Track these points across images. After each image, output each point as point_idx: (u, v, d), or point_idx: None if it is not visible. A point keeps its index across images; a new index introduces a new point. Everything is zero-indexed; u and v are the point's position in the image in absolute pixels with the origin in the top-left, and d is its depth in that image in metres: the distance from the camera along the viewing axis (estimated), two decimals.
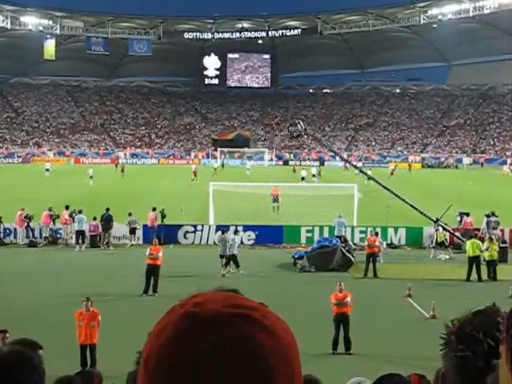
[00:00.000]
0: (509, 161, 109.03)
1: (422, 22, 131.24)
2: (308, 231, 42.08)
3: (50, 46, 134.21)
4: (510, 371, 1.83)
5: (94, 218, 42.75)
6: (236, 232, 37.35)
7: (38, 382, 3.12)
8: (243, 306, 1.35)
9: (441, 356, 2.20)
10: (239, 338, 1.29)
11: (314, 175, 75.19)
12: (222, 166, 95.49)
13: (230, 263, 34.23)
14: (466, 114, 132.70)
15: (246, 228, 43.06)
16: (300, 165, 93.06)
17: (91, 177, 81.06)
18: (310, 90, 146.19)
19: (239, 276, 31.73)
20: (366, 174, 47.51)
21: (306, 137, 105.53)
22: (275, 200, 54.07)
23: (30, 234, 43.76)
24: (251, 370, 1.27)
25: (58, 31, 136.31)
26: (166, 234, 41.24)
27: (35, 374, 3.09)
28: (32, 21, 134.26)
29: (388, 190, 40.50)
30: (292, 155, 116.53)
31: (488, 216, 41.73)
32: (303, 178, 74.48)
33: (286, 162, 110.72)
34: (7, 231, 43.55)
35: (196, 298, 1.37)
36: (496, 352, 1.89)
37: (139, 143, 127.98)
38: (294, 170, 55.56)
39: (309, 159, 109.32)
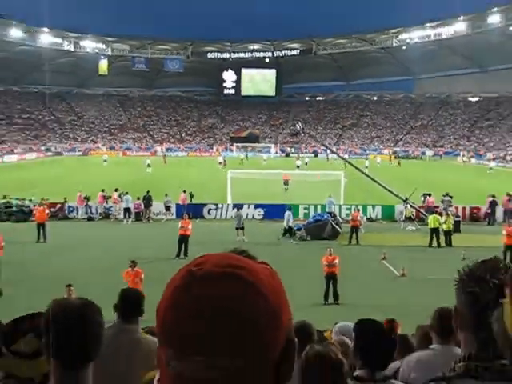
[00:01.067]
0: (461, 153, 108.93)
1: (394, 44, 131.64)
2: (305, 208, 42.22)
3: (103, 65, 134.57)
4: None
5: (138, 198, 43.19)
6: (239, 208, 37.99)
7: (102, 322, 3.18)
8: (234, 266, 1.31)
9: (455, 293, 2.33)
10: (225, 294, 1.25)
11: (299, 166, 75.28)
12: (246, 157, 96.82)
13: (244, 232, 34.43)
14: (428, 117, 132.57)
15: (257, 206, 43.28)
16: (298, 157, 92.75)
17: (149, 165, 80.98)
18: (307, 98, 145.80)
19: (248, 242, 31.81)
20: (350, 163, 47.50)
21: (303, 134, 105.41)
22: (285, 183, 54.98)
23: (88, 211, 44.08)
24: (237, 323, 1.23)
25: (109, 53, 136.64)
26: (193, 210, 41.19)
27: (100, 315, 3.15)
28: (89, 45, 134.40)
29: (366, 175, 40.47)
30: (292, 149, 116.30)
31: (445, 195, 42.23)
32: (298, 167, 74.68)
33: (287, 155, 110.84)
34: (70, 208, 43.85)
35: (199, 259, 1.35)
36: (501, 291, 1.94)
37: (172, 140, 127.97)
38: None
39: (306, 152, 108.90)
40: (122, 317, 6.10)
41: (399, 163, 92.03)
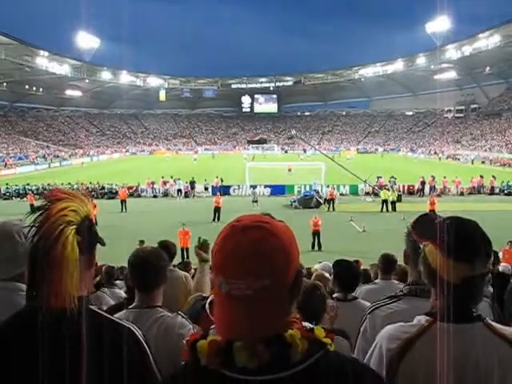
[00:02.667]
0: (402, 149, 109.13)
1: (356, 77, 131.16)
2: (298, 187, 42.08)
3: (162, 94, 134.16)
4: (435, 247, 1.90)
5: (186, 182, 43.17)
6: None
7: (165, 261, 3.24)
8: (261, 221, 1.39)
9: (404, 240, 2.38)
10: (254, 238, 1.33)
11: (302, 158, 74.46)
12: (265, 156, 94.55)
13: (257, 203, 34.54)
14: (379, 126, 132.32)
15: (266, 186, 43.38)
16: (295, 154, 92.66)
17: (195, 159, 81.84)
18: (298, 113, 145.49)
19: (260, 210, 31.87)
20: (328, 156, 47.53)
21: (296, 138, 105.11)
22: (289, 170, 54.74)
23: (154, 191, 44.15)
24: (262, 257, 1.31)
25: (166, 86, 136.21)
26: (223, 190, 41.21)
27: (164, 257, 3.20)
28: (153, 81, 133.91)
29: (339, 164, 40.42)
30: (289, 147, 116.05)
31: (391, 177, 42.31)
32: (302, 159, 74.43)
33: (286, 151, 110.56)
34: (142, 190, 44.00)
35: (239, 218, 1.43)
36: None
37: (208, 143, 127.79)
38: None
39: (298, 150, 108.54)
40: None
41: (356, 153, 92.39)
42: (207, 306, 3.79)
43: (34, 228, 1.80)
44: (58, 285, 1.73)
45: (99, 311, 1.92)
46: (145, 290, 3.16)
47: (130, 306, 3.20)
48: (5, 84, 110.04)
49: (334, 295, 4.82)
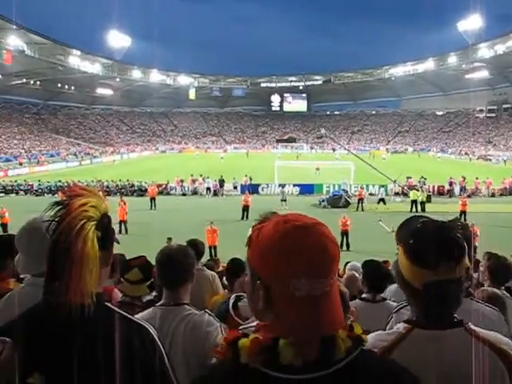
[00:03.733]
0: (432, 149, 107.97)
1: (386, 76, 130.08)
2: (327, 187, 41.91)
3: (192, 92, 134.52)
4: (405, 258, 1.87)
5: (215, 180, 43.24)
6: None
7: (192, 259, 3.23)
8: (314, 219, 1.40)
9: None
10: (328, 237, 1.37)
11: (338, 158, 73.36)
12: (298, 156, 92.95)
13: (286, 202, 34.50)
14: (409, 125, 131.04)
15: (295, 185, 43.37)
16: (324, 153, 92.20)
17: (222, 158, 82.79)
18: (327, 113, 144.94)
19: (288, 209, 31.81)
20: (357, 156, 47.31)
21: (325, 137, 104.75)
22: (317, 169, 54.21)
23: (183, 189, 44.39)
24: (329, 255, 1.35)
25: (196, 84, 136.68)
26: (252, 188, 41.24)
27: (191, 255, 3.20)
28: (183, 79, 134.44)
29: (367, 163, 40.14)
30: (318, 147, 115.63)
31: (421, 178, 42.00)
32: (337, 158, 73.47)
33: (315, 150, 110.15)
34: (171, 187, 44.26)
35: (284, 217, 1.41)
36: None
37: (237, 141, 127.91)
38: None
39: (327, 149, 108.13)
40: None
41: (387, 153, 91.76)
42: (231, 308, 3.80)
43: (53, 223, 1.82)
44: (78, 280, 1.73)
45: (116, 309, 1.92)
46: (172, 287, 3.16)
47: (158, 304, 3.22)
48: (38, 82, 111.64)
49: (363, 296, 4.78)
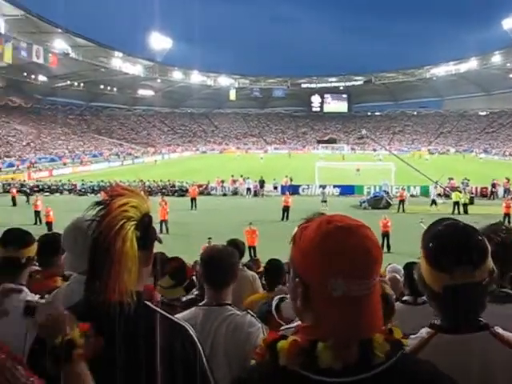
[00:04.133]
0: (475, 150, 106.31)
1: (427, 76, 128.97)
2: (368, 188, 41.66)
3: (232, 93, 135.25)
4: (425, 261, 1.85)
5: (255, 181, 43.33)
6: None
7: (236, 259, 3.25)
8: (358, 221, 1.39)
9: None
10: (370, 238, 1.35)
11: (381, 159, 72.54)
12: (343, 156, 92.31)
13: (327, 204, 34.37)
14: (451, 126, 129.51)
15: (335, 186, 43.16)
16: (365, 154, 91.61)
17: (262, 158, 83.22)
18: (368, 113, 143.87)
19: (329, 210, 31.69)
20: (398, 157, 46.85)
21: (366, 138, 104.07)
22: (358, 170, 53.67)
23: (223, 190, 44.57)
24: (372, 256, 1.34)
25: (236, 85, 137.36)
26: (292, 189, 41.20)
27: (234, 255, 3.21)
28: (223, 80, 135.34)
29: (408, 164, 39.62)
30: (359, 147, 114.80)
31: (464, 179, 41.42)
32: (380, 160, 73.00)
33: (354, 151, 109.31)
34: (212, 188, 44.50)
35: (329, 217, 1.41)
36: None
37: (278, 142, 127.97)
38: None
39: (368, 150, 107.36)
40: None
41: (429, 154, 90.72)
42: (273, 309, 3.80)
43: (94, 222, 1.84)
44: (117, 279, 1.75)
45: (156, 308, 1.94)
46: (215, 287, 3.18)
47: (200, 304, 3.24)
48: (82, 84, 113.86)
49: (404, 298, 4.73)
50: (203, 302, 3.23)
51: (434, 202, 35.77)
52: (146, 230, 1.90)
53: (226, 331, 3.00)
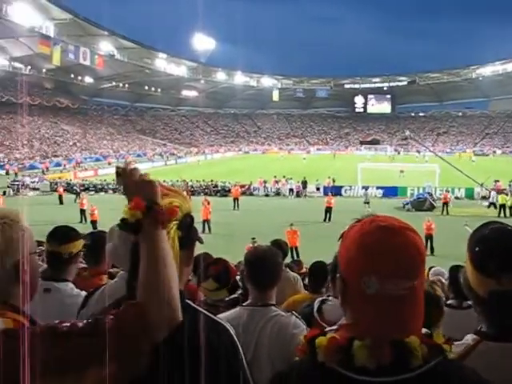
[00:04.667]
0: None
1: (473, 76, 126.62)
2: (411, 189, 41.26)
3: (275, 94, 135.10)
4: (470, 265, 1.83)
5: (298, 182, 43.38)
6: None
7: (280, 260, 3.26)
8: (404, 222, 1.40)
9: None
10: (409, 239, 1.35)
11: (427, 160, 71.30)
12: (393, 157, 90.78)
13: (369, 205, 34.12)
14: (497, 127, 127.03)
15: (378, 187, 42.87)
16: (409, 155, 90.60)
17: (304, 158, 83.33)
18: (412, 114, 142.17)
19: (372, 212, 31.36)
20: (442, 158, 46.24)
21: (410, 139, 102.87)
22: (401, 172, 52.85)
23: (265, 190, 44.63)
24: (414, 257, 1.34)
25: (279, 86, 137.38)
26: (335, 190, 41.02)
27: (278, 255, 3.21)
28: (266, 81, 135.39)
29: (453, 166, 39.06)
30: (402, 149, 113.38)
31: (511, 181, 40.69)
32: (427, 161, 71.81)
33: (398, 152, 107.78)
34: (254, 188, 44.71)
35: (375, 217, 1.42)
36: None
37: (320, 143, 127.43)
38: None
39: (412, 151, 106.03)
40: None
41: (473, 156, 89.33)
42: (315, 311, 3.79)
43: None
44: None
45: (197, 307, 1.95)
46: (259, 287, 3.18)
47: (244, 304, 3.24)
48: (127, 85, 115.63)
49: (449, 302, 4.68)
50: (247, 302, 3.24)
51: (492, 204, 35.33)
52: (188, 230, 1.92)
53: (270, 332, 3.00)
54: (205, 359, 1.78)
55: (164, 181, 41.35)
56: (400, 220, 1.42)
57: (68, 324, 1.51)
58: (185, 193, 1.98)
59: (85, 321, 1.52)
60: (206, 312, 1.95)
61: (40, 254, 4.26)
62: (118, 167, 1.79)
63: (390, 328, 1.31)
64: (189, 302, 1.92)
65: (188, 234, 1.92)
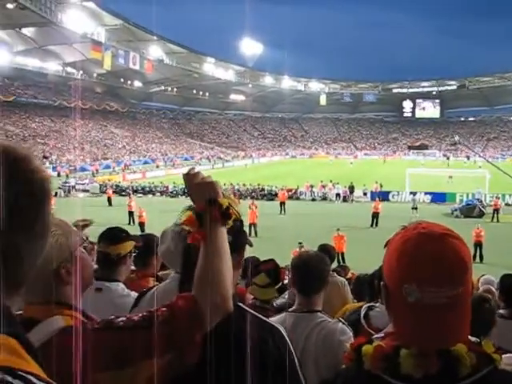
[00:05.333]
0: None
1: None
2: (460, 195, 40.61)
3: (323, 98, 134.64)
4: None
5: (345, 186, 43.14)
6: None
7: (327, 266, 3.24)
8: (448, 229, 1.38)
9: None
10: (452, 246, 1.33)
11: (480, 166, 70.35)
12: (448, 164, 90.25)
13: (417, 211, 33.73)
14: None
15: (426, 193, 42.38)
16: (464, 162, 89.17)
17: (351, 163, 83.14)
18: (462, 119, 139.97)
19: (419, 217, 31.03)
20: (493, 164, 45.45)
21: (459, 144, 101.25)
22: (450, 177, 52.10)
23: (312, 194, 44.59)
24: (456, 264, 1.31)
25: (326, 90, 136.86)
26: (382, 195, 40.70)
27: (325, 261, 3.20)
28: (314, 85, 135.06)
29: (504, 172, 38.30)
30: (451, 154, 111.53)
31: None
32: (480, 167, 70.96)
33: (447, 158, 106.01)
34: (301, 193, 44.80)
35: (418, 224, 1.40)
36: None
37: (368, 148, 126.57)
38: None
39: (461, 156, 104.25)
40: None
41: None
42: (362, 318, 3.76)
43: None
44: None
45: (248, 309, 1.96)
46: (305, 293, 3.17)
47: (290, 309, 3.23)
48: (175, 89, 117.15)
49: (499, 311, 4.59)
50: (293, 308, 3.23)
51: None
52: (238, 234, 1.94)
53: (316, 339, 2.98)
54: (255, 359, 1.80)
55: (224, 184, 41.73)
56: (444, 226, 1.40)
57: (124, 318, 1.57)
58: (233, 197, 2.00)
59: (140, 314, 1.57)
60: (256, 314, 1.97)
61: (90, 253, 4.35)
62: (183, 174, 1.88)
63: (432, 337, 1.28)
64: (239, 304, 1.94)
65: (238, 237, 1.94)
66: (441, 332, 1.29)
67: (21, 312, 1.62)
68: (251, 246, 2.12)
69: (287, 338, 1.96)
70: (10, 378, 0.78)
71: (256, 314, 1.97)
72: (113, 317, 1.59)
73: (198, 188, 1.82)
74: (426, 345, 1.29)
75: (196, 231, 1.75)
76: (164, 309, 1.56)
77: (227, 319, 1.79)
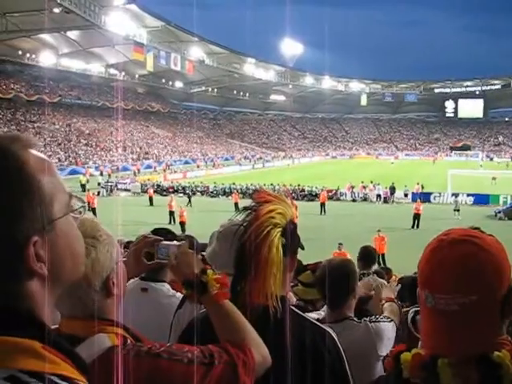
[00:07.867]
0: None
1: None
2: (504, 197, 39.87)
3: (364, 98, 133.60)
4: None
5: (386, 187, 42.92)
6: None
7: (356, 275, 3.24)
8: (470, 235, 1.35)
9: None
10: (464, 253, 1.30)
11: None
12: (508, 164, 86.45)
13: (459, 212, 33.30)
14: None
15: (469, 194, 41.70)
16: (498, 163, 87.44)
17: (392, 163, 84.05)
18: (506, 119, 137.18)
19: (462, 219, 30.63)
20: None
21: (503, 145, 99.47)
22: (494, 179, 51.36)
23: (353, 195, 44.41)
24: (470, 271, 1.28)
25: (367, 90, 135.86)
26: (424, 197, 40.22)
27: (356, 274, 3.19)
28: (355, 85, 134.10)
29: None
30: (495, 155, 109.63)
31: None
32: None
33: (491, 159, 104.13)
34: (341, 193, 44.46)
35: (446, 231, 1.39)
36: None
37: (409, 148, 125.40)
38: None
39: (505, 157, 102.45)
40: None
41: None
42: (409, 322, 3.72)
43: (241, 228, 1.90)
44: (262, 283, 1.81)
45: (300, 312, 1.96)
46: (331, 307, 3.16)
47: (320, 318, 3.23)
48: (215, 90, 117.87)
49: None
50: (321, 317, 3.21)
51: None
52: (291, 237, 1.93)
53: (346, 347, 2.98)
54: (311, 364, 1.81)
55: (264, 184, 41.51)
56: (471, 231, 1.38)
57: (185, 350, 1.52)
58: (288, 199, 2.01)
59: (197, 350, 1.53)
60: (307, 317, 1.98)
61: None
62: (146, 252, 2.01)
63: (448, 344, 1.27)
64: (293, 308, 1.95)
65: (291, 240, 1.93)
66: (452, 338, 1.27)
67: (56, 326, 1.53)
68: (303, 249, 2.13)
69: (339, 343, 1.97)
70: (26, 377, 0.78)
71: (311, 319, 1.99)
72: (169, 344, 1.57)
73: (176, 269, 1.87)
74: (437, 350, 1.28)
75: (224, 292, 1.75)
76: (218, 349, 1.55)
77: (282, 323, 1.82)
